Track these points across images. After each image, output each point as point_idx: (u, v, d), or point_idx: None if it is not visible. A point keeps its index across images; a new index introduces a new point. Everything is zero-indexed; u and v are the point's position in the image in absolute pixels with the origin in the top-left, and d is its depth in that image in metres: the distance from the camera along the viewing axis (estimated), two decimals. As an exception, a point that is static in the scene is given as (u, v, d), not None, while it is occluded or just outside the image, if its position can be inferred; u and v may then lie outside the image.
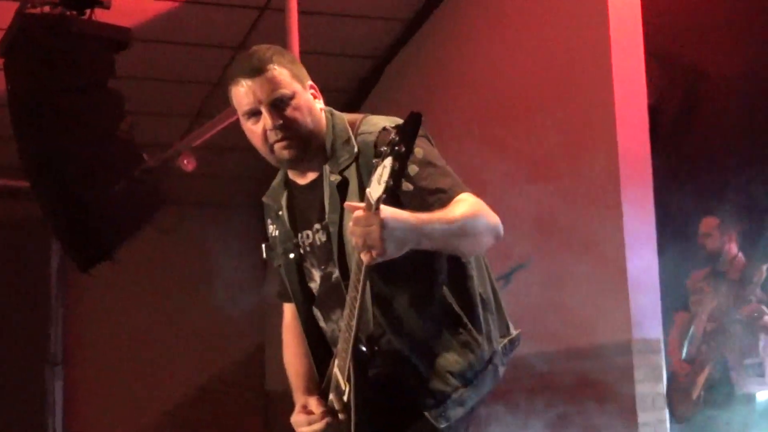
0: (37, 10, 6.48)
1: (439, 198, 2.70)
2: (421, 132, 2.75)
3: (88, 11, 6.47)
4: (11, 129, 6.88)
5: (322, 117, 2.92)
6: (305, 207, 2.98)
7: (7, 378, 10.77)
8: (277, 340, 3.33)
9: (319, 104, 2.93)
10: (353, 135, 2.86)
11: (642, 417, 6.26)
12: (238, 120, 2.92)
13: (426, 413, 2.81)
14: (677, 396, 6.21)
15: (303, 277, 3.05)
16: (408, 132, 2.38)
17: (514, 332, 3.01)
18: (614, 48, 6.82)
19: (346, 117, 2.95)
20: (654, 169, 6.87)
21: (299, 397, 3.09)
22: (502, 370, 2.92)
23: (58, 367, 11.11)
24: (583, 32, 7.12)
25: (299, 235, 3.02)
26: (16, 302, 11.00)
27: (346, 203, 2.67)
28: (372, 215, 2.40)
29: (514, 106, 7.98)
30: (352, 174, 2.82)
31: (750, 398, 6.00)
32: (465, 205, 2.68)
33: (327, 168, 2.87)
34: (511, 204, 7.81)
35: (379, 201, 2.38)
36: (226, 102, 2.95)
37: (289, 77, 2.85)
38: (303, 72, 2.92)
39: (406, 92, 9.56)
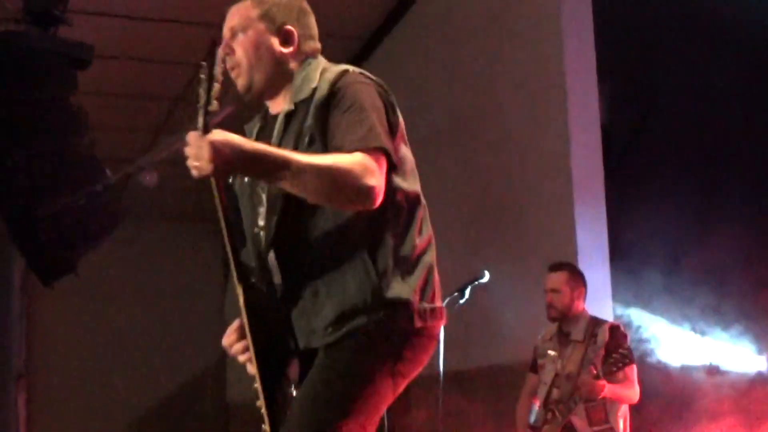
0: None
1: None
2: (369, 80, 2.96)
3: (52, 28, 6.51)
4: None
5: (273, 59, 3.04)
6: (268, 136, 3.09)
7: (-31, 391, 10.75)
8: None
9: (284, 48, 3.05)
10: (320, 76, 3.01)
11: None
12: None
13: (313, 337, 2.90)
14: None
15: (254, 205, 3.12)
16: (210, 61, 2.74)
17: (438, 304, 3.02)
18: (568, 67, 6.92)
19: (325, 64, 3.10)
20: (606, 188, 6.92)
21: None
22: (418, 323, 2.91)
23: (21, 379, 11.09)
24: (537, 52, 7.22)
25: None
26: (-22, 316, 10.98)
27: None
28: (201, 137, 2.65)
29: (468, 124, 8.08)
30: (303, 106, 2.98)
31: None
32: (331, 158, 2.75)
33: (289, 100, 3.03)
34: (463, 221, 7.94)
35: (204, 125, 2.68)
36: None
37: (252, 14, 3.04)
38: (282, 14, 3.07)
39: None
